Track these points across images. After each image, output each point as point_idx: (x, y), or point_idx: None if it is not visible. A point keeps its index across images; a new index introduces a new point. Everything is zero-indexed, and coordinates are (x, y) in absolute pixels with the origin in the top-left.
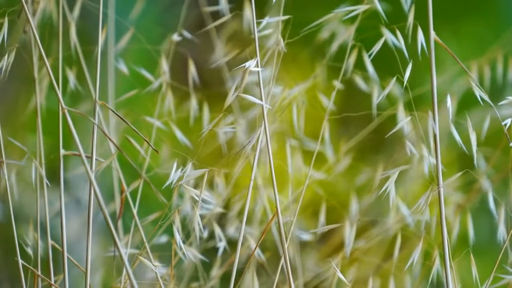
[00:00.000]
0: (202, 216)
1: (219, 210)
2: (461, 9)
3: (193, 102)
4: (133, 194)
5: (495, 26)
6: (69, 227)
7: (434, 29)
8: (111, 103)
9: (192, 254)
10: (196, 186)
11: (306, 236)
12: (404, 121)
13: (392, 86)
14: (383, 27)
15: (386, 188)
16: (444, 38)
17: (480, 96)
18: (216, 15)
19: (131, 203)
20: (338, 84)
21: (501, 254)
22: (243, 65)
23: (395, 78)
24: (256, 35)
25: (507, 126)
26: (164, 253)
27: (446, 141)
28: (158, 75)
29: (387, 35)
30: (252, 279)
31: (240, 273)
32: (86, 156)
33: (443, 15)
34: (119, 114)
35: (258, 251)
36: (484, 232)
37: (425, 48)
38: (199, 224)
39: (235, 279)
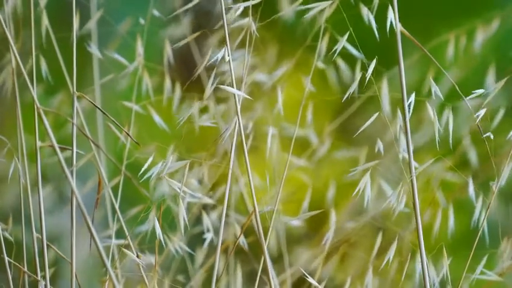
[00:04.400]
0: (188, 204)
1: (204, 199)
2: (459, 10)
3: (168, 83)
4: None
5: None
6: (61, 222)
7: (432, 29)
8: (97, 89)
9: (177, 245)
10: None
11: (289, 222)
12: (385, 104)
13: (374, 71)
14: (362, 6)
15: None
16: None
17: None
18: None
19: (112, 195)
20: (319, 64)
21: (476, 242)
22: (215, 56)
23: (374, 60)
24: (226, 21)
25: (479, 118)
26: (151, 245)
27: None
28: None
29: (364, 12)
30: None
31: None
32: (65, 148)
33: (441, 16)
34: (99, 105)
35: (242, 239)
36: (466, 223)
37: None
38: (184, 217)
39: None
